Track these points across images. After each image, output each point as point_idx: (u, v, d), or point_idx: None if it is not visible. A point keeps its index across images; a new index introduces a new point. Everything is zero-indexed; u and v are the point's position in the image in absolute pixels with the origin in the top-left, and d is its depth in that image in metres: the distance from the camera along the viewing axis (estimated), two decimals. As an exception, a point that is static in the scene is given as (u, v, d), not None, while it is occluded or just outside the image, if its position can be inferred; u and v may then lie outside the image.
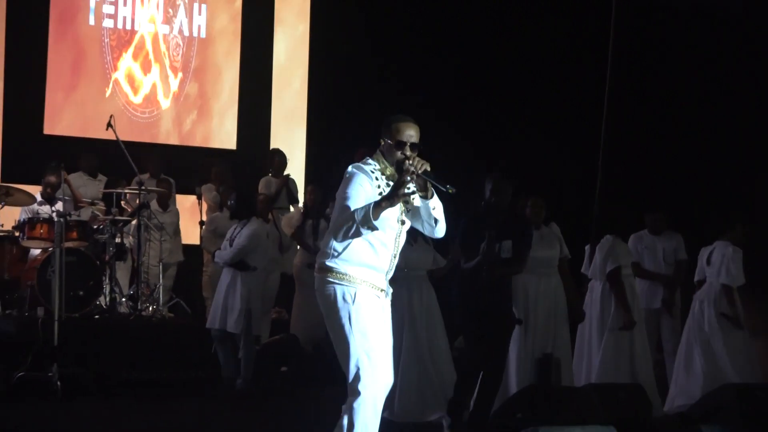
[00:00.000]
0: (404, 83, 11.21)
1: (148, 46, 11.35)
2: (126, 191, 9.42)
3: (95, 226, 9.11)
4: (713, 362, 7.59)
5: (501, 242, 6.14)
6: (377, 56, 11.54)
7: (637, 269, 7.87)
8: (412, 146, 4.44)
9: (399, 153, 4.41)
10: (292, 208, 10.17)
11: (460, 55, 11.70)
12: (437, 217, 4.47)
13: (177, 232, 10.07)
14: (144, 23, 11.32)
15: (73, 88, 11.05)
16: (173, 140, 11.47)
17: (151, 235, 9.60)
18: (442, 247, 7.17)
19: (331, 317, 4.46)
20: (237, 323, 7.81)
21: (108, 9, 11.14)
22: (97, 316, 8.73)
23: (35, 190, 9.14)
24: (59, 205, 8.84)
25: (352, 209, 4.28)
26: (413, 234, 5.25)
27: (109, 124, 9.18)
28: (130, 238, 9.51)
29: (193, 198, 10.27)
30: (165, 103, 11.46)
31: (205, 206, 10.09)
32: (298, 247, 9.50)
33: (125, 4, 11.22)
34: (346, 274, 4.42)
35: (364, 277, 4.43)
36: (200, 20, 11.65)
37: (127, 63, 11.23)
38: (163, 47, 11.44)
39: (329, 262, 4.45)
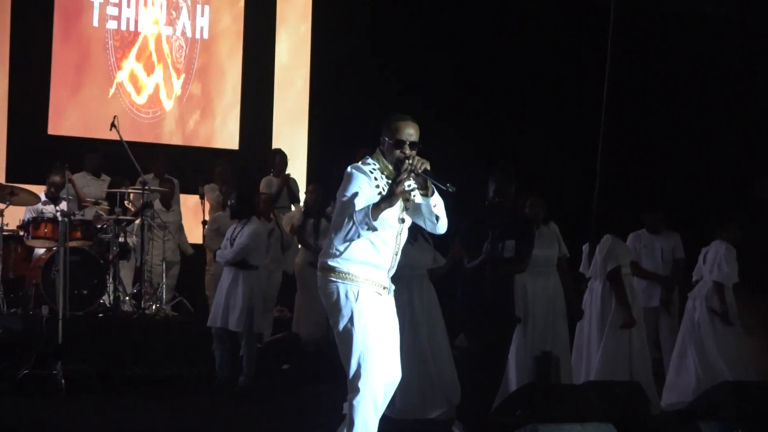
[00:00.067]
0: (405, 83, 11.22)
1: (152, 48, 11.36)
2: (129, 191, 9.43)
3: (99, 226, 9.12)
4: (705, 359, 7.63)
5: (504, 242, 6.14)
6: (378, 56, 11.54)
7: (635, 268, 7.88)
8: (412, 145, 4.45)
9: (398, 152, 4.43)
10: (293, 208, 10.18)
11: (460, 55, 11.70)
12: (438, 214, 4.49)
13: (180, 229, 10.09)
14: (147, 24, 11.34)
15: (77, 88, 11.06)
16: (176, 140, 11.48)
17: (155, 235, 9.61)
18: (443, 246, 7.18)
19: (333, 315, 4.48)
20: (239, 321, 7.82)
21: (112, 10, 11.15)
22: (100, 315, 8.74)
23: (39, 190, 9.15)
24: (63, 205, 8.83)
25: (352, 210, 4.29)
26: (413, 233, 5.26)
27: (112, 125, 9.19)
28: (134, 237, 9.52)
29: (196, 198, 10.28)
30: (168, 103, 11.47)
31: (207, 206, 10.11)
32: (299, 246, 9.51)
33: (129, 5, 11.23)
34: (348, 273, 4.43)
35: (366, 275, 4.44)
36: (203, 21, 11.66)
37: (130, 64, 11.24)
38: (166, 48, 11.46)
39: (331, 261, 4.46)
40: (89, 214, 9.37)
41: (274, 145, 11.42)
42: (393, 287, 4.58)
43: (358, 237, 4.34)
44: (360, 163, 4.48)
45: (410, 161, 4.38)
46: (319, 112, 11.99)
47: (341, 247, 4.42)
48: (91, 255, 8.71)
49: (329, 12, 11.86)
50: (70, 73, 11.00)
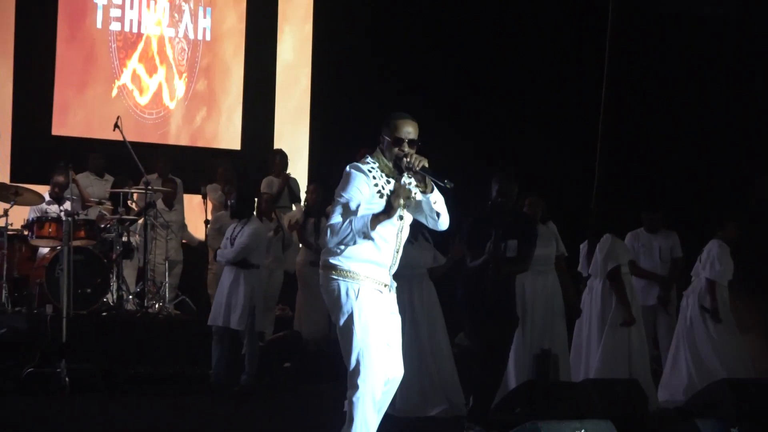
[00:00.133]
0: (406, 83, 11.22)
1: (154, 49, 11.38)
2: (133, 191, 9.44)
3: (102, 225, 9.13)
4: (697, 357, 7.67)
5: (506, 242, 6.14)
6: (379, 56, 11.54)
7: (633, 267, 7.89)
8: (410, 143, 4.46)
9: (397, 149, 4.43)
10: (294, 207, 10.19)
11: (460, 55, 11.70)
12: (439, 211, 4.50)
13: (184, 227, 10.10)
14: (150, 26, 11.35)
15: (81, 89, 11.07)
16: (179, 141, 11.50)
17: (158, 234, 9.62)
18: (443, 246, 7.19)
19: (335, 312, 4.49)
20: (241, 320, 7.82)
21: (115, 12, 11.17)
22: (104, 313, 8.75)
23: (44, 190, 9.16)
24: (67, 205, 8.85)
25: (350, 217, 4.32)
26: (414, 232, 5.26)
27: (116, 125, 9.20)
28: (137, 236, 9.52)
29: (198, 197, 10.29)
30: (171, 104, 11.48)
31: (210, 205, 10.11)
32: (300, 245, 9.51)
33: (132, 7, 11.24)
34: (350, 271, 4.44)
35: (367, 272, 4.45)
36: (205, 23, 11.68)
37: (133, 65, 11.25)
38: (168, 50, 11.47)
39: (333, 260, 4.47)
40: (93, 213, 9.37)
41: (276, 146, 11.43)
42: (395, 284, 4.58)
43: (354, 243, 4.34)
44: (359, 162, 4.48)
45: (408, 159, 4.38)
46: (320, 112, 11.99)
47: (342, 246, 4.42)
48: (95, 254, 8.72)
49: (331, 12, 11.87)
50: (74, 74, 11.02)
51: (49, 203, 9.06)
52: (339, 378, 4.63)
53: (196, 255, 10.20)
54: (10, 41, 10.70)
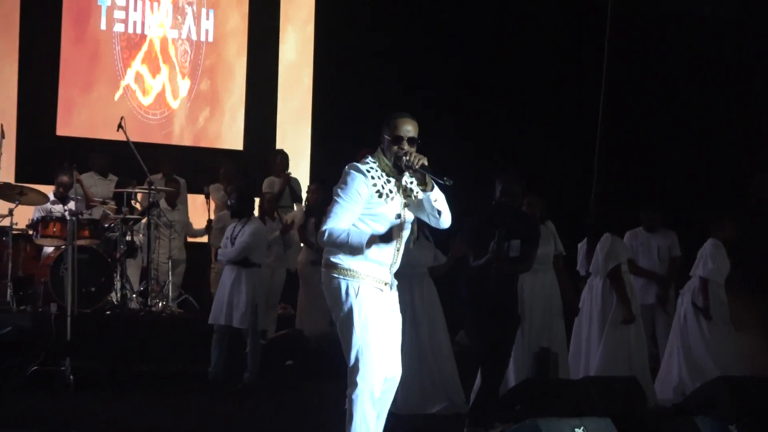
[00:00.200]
0: (407, 83, 11.21)
1: (158, 50, 11.38)
2: (136, 191, 9.44)
3: (106, 225, 9.13)
4: (689, 355, 7.68)
5: (509, 241, 6.14)
6: (381, 56, 11.53)
7: (632, 266, 7.89)
8: (410, 141, 4.45)
9: (396, 148, 4.43)
10: (295, 207, 10.19)
11: (461, 56, 11.69)
12: (440, 209, 4.49)
13: (188, 225, 10.10)
14: (154, 27, 11.35)
15: (85, 90, 11.08)
16: (182, 141, 11.50)
17: (161, 233, 9.62)
18: (443, 245, 7.18)
19: (335, 310, 4.49)
20: (243, 319, 7.82)
21: (119, 14, 11.18)
22: (108, 312, 8.75)
23: (48, 190, 9.16)
24: (71, 204, 8.85)
25: (348, 230, 4.32)
26: (415, 232, 5.25)
27: (119, 126, 9.20)
28: (140, 236, 9.52)
29: (201, 197, 10.29)
30: (174, 105, 11.48)
31: (213, 205, 10.11)
32: (302, 244, 9.51)
33: (135, 9, 11.25)
34: (350, 269, 4.44)
35: (368, 271, 4.44)
36: (208, 24, 11.68)
37: (137, 66, 11.26)
38: (172, 51, 11.47)
39: (334, 258, 4.47)
40: (97, 213, 9.38)
41: (279, 146, 11.43)
42: (396, 283, 4.58)
43: (345, 254, 4.37)
44: (359, 162, 4.48)
45: (408, 157, 4.38)
46: (321, 112, 11.99)
47: None
48: (99, 253, 8.72)
49: (332, 13, 11.86)
50: (79, 74, 11.02)
51: (53, 203, 9.06)
52: (340, 376, 4.62)
53: (199, 254, 10.21)
54: (15, 42, 10.71)
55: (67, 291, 7.76)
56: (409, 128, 4.46)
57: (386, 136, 4.49)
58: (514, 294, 6.32)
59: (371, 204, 4.40)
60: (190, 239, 10.35)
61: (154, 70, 11.36)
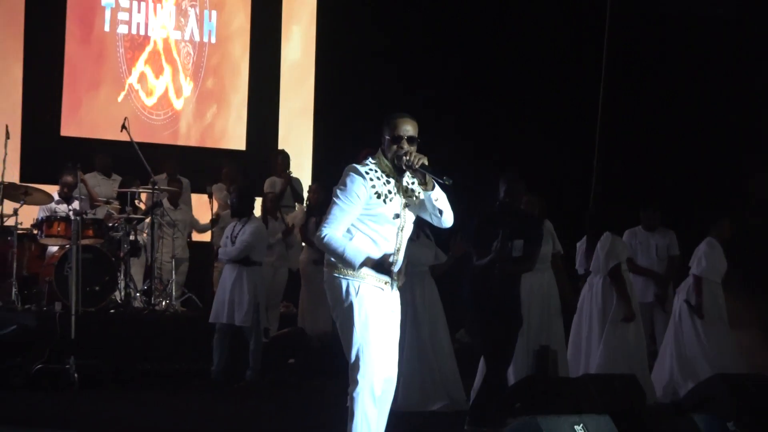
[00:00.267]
0: (408, 83, 11.21)
1: (161, 52, 11.39)
2: (140, 190, 9.44)
3: (110, 224, 9.13)
4: (681, 353, 7.69)
5: (513, 241, 6.13)
6: (382, 57, 11.53)
7: (630, 265, 7.89)
8: (409, 140, 4.45)
9: (396, 148, 4.42)
10: (297, 207, 10.19)
11: (461, 56, 11.68)
12: (441, 208, 4.48)
13: (191, 223, 10.10)
14: (157, 29, 11.36)
15: (89, 91, 11.09)
16: (185, 141, 11.51)
17: (164, 233, 9.62)
18: (444, 244, 7.18)
19: (336, 309, 4.49)
20: (246, 317, 7.82)
21: (123, 16, 11.19)
22: (112, 311, 8.75)
23: (53, 190, 9.17)
24: (76, 204, 8.86)
25: (346, 244, 4.34)
26: (415, 231, 5.25)
27: (123, 126, 9.20)
28: (144, 235, 9.53)
29: (204, 197, 10.30)
30: (177, 105, 11.49)
31: (216, 205, 10.11)
32: (303, 244, 9.51)
33: (139, 11, 11.26)
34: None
35: (368, 270, 4.43)
36: (210, 26, 11.68)
37: (140, 67, 11.27)
38: (175, 52, 11.48)
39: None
40: (101, 213, 9.38)
41: (282, 146, 11.45)
42: (397, 282, 4.56)
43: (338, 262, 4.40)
44: (359, 163, 4.47)
45: (407, 157, 4.37)
46: (323, 112, 11.99)
47: None
48: (103, 253, 8.72)
49: (334, 13, 11.86)
50: (83, 75, 11.04)
51: (58, 203, 9.06)
52: (342, 374, 4.62)
53: (202, 253, 10.21)
54: (20, 44, 10.71)
55: (72, 290, 7.76)
56: (409, 128, 4.46)
57: (386, 136, 4.49)
58: (517, 294, 6.32)
59: (370, 205, 4.40)
60: (194, 238, 10.37)
61: (158, 71, 11.37)
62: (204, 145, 11.59)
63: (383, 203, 4.40)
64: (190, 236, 10.34)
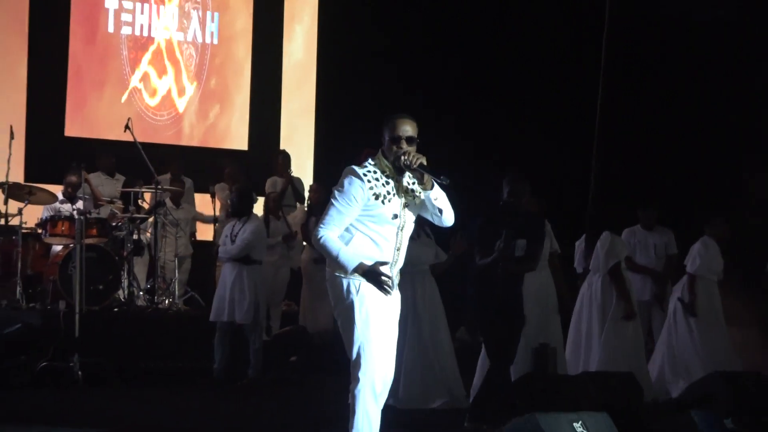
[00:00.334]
0: (409, 83, 11.21)
1: (164, 53, 11.40)
2: (143, 190, 9.45)
3: (114, 224, 9.15)
4: (672, 351, 7.71)
5: (515, 241, 6.13)
6: (384, 57, 11.54)
7: (629, 263, 7.90)
8: (408, 141, 4.46)
9: (395, 148, 4.43)
10: (298, 206, 10.20)
11: (461, 56, 11.69)
12: (441, 207, 4.49)
13: (193, 220, 10.10)
14: (160, 30, 11.37)
15: (93, 91, 11.10)
16: (188, 142, 11.53)
17: (167, 232, 9.63)
18: (444, 243, 7.18)
19: (338, 307, 4.51)
20: (247, 315, 7.82)
21: (126, 17, 11.21)
22: (116, 309, 8.76)
23: (57, 190, 9.18)
24: (80, 204, 8.87)
25: (341, 247, 4.36)
26: (416, 230, 5.25)
27: (127, 127, 9.21)
28: (147, 234, 9.53)
29: (207, 196, 10.31)
30: (180, 106, 11.50)
31: (218, 204, 10.13)
32: (304, 243, 9.52)
33: (142, 12, 11.27)
34: (352, 269, 4.44)
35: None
36: (212, 27, 11.69)
37: (144, 68, 11.28)
38: (178, 53, 11.50)
39: (337, 258, 4.47)
40: (104, 212, 9.39)
41: (285, 146, 11.47)
42: (398, 280, 4.57)
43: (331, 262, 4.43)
44: (358, 164, 4.48)
45: (405, 157, 4.38)
46: (325, 112, 12.00)
47: (343, 242, 4.43)
48: (107, 252, 8.73)
49: (335, 13, 11.87)
50: (87, 76, 11.05)
51: (62, 202, 9.08)
52: (343, 371, 4.62)
53: (204, 252, 10.22)
54: (25, 45, 10.73)
55: (76, 289, 7.77)
56: (408, 128, 4.47)
57: (386, 137, 4.50)
58: (520, 293, 6.33)
59: (369, 206, 4.41)
60: (198, 237, 10.37)
61: (161, 72, 11.38)
62: (206, 145, 11.60)
63: (381, 204, 4.41)
64: (194, 235, 10.36)
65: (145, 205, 9.61)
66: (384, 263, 4.39)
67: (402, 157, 4.40)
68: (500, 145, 11.16)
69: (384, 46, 11.53)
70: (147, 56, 11.30)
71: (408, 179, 4.50)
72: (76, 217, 8.19)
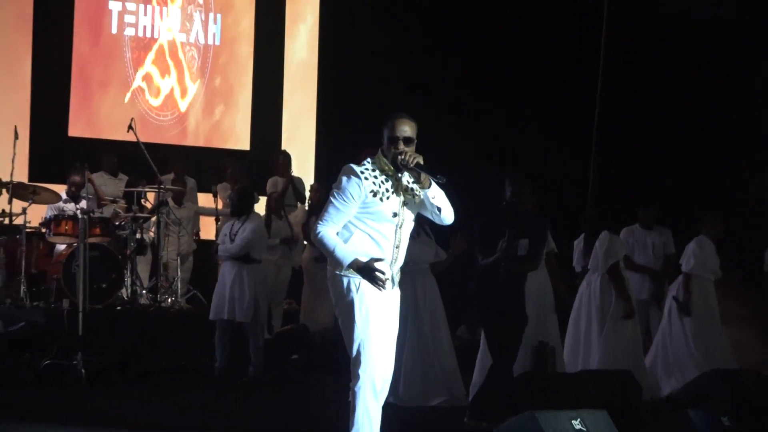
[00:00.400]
0: (411, 83, 11.21)
1: (167, 54, 11.41)
2: (145, 190, 9.46)
3: (117, 223, 9.16)
4: (665, 349, 7.71)
5: (518, 240, 6.13)
6: (384, 57, 11.54)
7: (627, 262, 7.90)
8: (406, 141, 4.47)
9: (393, 148, 4.44)
10: (299, 206, 10.20)
11: (461, 56, 11.69)
12: (439, 206, 4.49)
13: (198, 213, 10.12)
14: (163, 31, 11.38)
15: (96, 92, 11.11)
16: (191, 142, 11.54)
17: (170, 231, 9.64)
18: (444, 242, 7.18)
19: (338, 305, 4.52)
20: (248, 313, 7.83)
21: (129, 18, 11.22)
22: (119, 308, 8.77)
23: (61, 189, 9.19)
24: (83, 203, 8.88)
25: (338, 243, 4.38)
26: (416, 229, 5.26)
27: (130, 127, 9.22)
28: (150, 233, 9.54)
29: (209, 196, 10.31)
30: (183, 106, 11.51)
31: (220, 204, 10.13)
32: (305, 242, 9.53)
33: (145, 14, 11.28)
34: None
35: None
36: (215, 28, 11.70)
37: (147, 69, 11.29)
38: (180, 54, 11.50)
39: (338, 257, 4.48)
40: (108, 211, 9.40)
41: (287, 145, 11.48)
42: (398, 278, 4.57)
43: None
44: (356, 164, 4.49)
45: (402, 156, 4.39)
46: (326, 112, 12.00)
47: (343, 241, 4.44)
48: (110, 250, 8.74)
49: (336, 15, 11.87)
50: (90, 77, 11.06)
51: (65, 202, 9.08)
52: (344, 369, 4.63)
53: (206, 252, 10.22)
54: (29, 45, 10.74)
55: (79, 287, 7.77)
56: (406, 128, 4.48)
57: (384, 136, 4.51)
58: (522, 293, 6.33)
59: (367, 204, 4.43)
60: (202, 236, 10.38)
61: (164, 73, 11.39)
62: (209, 146, 11.61)
63: (380, 201, 4.42)
64: (198, 234, 10.37)
65: (148, 205, 9.62)
66: (379, 259, 4.39)
67: (399, 157, 4.42)
68: (500, 145, 11.16)
69: (385, 47, 11.53)
70: (149, 57, 11.31)
71: (407, 178, 4.51)
72: (80, 216, 8.20)
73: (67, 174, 9.20)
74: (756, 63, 10.31)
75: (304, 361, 8.63)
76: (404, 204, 4.51)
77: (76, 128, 10.95)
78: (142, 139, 9.36)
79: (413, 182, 4.50)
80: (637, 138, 10.69)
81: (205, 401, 7.25)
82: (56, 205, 9.03)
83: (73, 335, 7.56)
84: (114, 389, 7.45)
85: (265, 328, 8.51)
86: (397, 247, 4.52)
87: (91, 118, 11.06)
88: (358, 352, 4.40)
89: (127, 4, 11.19)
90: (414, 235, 5.67)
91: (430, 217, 4.58)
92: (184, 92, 11.50)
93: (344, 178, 4.43)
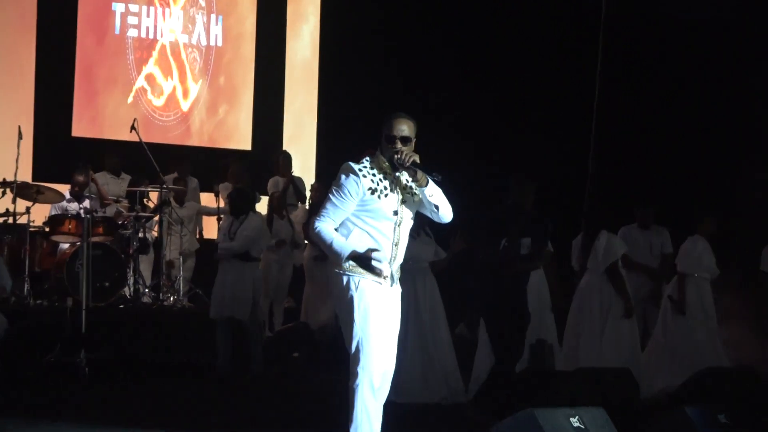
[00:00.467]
0: (412, 83, 11.23)
1: (169, 55, 11.43)
2: (148, 189, 9.48)
3: (120, 222, 9.18)
4: (659, 348, 7.72)
5: (520, 239, 6.14)
6: (385, 57, 11.55)
7: (625, 261, 7.91)
8: (403, 140, 4.49)
9: (390, 147, 4.46)
10: (300, 206, 10.22)
11: (461, 56, 11.69)
12: (436, 204, 4.51)
13: (196, 216, 10.14)
14: (165, 33, 11.40)
15: (99, 93, 11.13)
16: (193, 142, 11.56)
17: (172, 230, 9.66)
18: (444, 241, 7.20)
19: (338, 303, 4.55)
20: (247, 311, 7.84)
21: (132, 20, 11.25)
22: (121, 306, 8.79)
23: (64, 189, 9.21)
24: (86, 203, 8.91)
25: (336, 237, 4.41)
26: (416, 228, 5.27)
27: (132, 127, 9.24)
28: (153, 232, 9.56)
29: (211, 195, 10.33)
30: (185, 107, 11.53)
31: (222, 203, 10.14)
32: (306, 241, 9.54)
33: (148, 15, 11.31)
34: (351, 264, 4.46)
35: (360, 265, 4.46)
36: (217, 30, 11.72)
37: (149, 70, 11.32)
38: (183, 55, 11.52)
39: (338, 256, 4.50)
40: (110, 211, 9.42)
41: (288, 145, 11.49)
42: (398, 276, 4.59)
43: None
44: (354, 162, 4.50)
45: (399, 155, 4.41)
46: (327, 112, 12.02)
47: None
48: (113, 249, 8.76)
49: (337, 13, 11.89)
50: (93, 78, 11.09)
51: (69, 201, 9.10)
52: (344, 367, 4.64)
53: (209, 250, 10.23)
54: (32, 46, 10.76)
55: (82, 286, 7.79)
56: (403, 128, 4.50)
57: (382, 135, 4.53)
58: (524, 291, 6.34)
59: (365, 201, 4.45)
60: (205, 235, 10.39)
61: (166, 74, 11.41)
62: (211, 145, 11.63)
63: (378, 199, 4.45)
64: (201, 233, 10.39)
65: (151, 204, 9.64)
66: (376, 250, 4.40)
67: (396, 156, 4.44)
68: (500, 145, 11.16)
69: (386, 47, 11.55)
70: (152, 58, 11.34)
71: (406, 176, 4.53)
72: (83, 215, 8.23)
73: (71, 174, 9.22)
74: (756, 63, 10.30)
75: (305, 359, 8.65)
76: (403, 202, 4.52)
77: (80, 128, 10.98)
78: (145, 139, 9.39)
79: (411, 180, 4.52)
80: (636, 138, 10.69)
81: (207, 398, 7.26)
82: (60, 204, 9.05)
83: (77, 333, 7.57)
84: (117, 387, 7.47)
85: (266, 326, 8.53)
86: (396, 244, 4.53)
87: (95, 118, 11.09)
88: (357, 350, 4.41)
89: (130, 5, 11.21)
90: (414, 235, 5.69)
91: (429, 215, 4.59)
92: (186, 93, 11.52)
93: (342, 176, 4.45)
